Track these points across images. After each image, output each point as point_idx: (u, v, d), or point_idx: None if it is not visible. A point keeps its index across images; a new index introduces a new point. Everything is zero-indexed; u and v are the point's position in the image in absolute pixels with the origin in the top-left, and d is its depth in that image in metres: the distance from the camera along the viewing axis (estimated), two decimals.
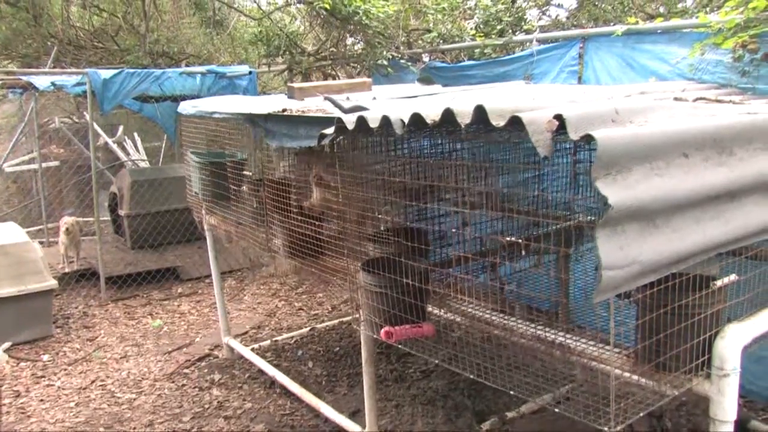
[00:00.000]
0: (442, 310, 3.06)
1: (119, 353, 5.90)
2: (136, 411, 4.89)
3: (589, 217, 3.50)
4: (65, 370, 5.61)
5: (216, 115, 4.45)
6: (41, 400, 5.10)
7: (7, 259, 5.78)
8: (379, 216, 3.15)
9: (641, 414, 2.32)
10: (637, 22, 4.92)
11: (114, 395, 5.14)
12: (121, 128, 8.96)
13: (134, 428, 4.65)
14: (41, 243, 7.17)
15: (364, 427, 4.05)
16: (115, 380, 5.39)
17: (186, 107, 4.95)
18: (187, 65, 8.57)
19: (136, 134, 9.04)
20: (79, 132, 8.41)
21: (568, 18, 7.05)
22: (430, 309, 3.08)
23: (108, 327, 6.51)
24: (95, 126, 8.09)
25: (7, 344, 5.64)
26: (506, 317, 2.90)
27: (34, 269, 6.08)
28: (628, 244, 2.02)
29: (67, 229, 7.55)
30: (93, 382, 5.38)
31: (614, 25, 5.53)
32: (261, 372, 5.26)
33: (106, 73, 7.11)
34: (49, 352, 5.95)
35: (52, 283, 6.21)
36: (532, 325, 2.80)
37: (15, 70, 9.00)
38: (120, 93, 7.12)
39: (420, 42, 7.20)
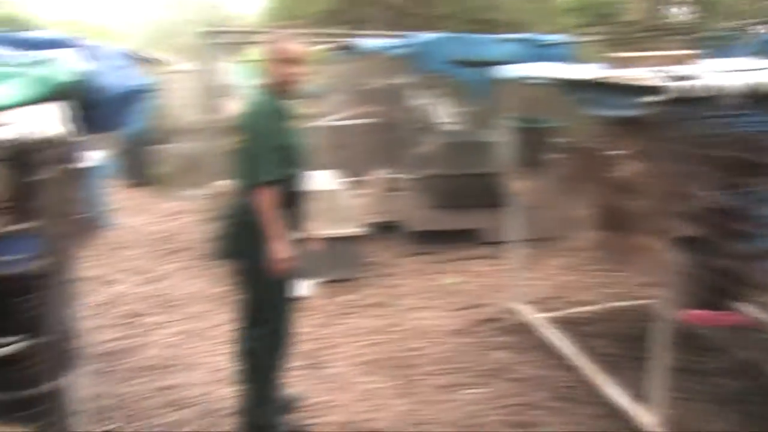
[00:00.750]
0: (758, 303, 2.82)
1: (412, 304, 6.20)
2: (422, 359, 5.11)
3: None
4: (363, 311, 6.03)
5: (533, 81, 4.44)
6: (339, 335, 5.53)
7: (325, 203, 6.28)
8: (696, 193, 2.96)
9: None
10: None
11: (403, 341, 5.42)
12: (434, 91, 9.25)
13: (418, 374, 4.88)
14: (354, 193, 7.67)
15: (648, 413, 3.88)
16: (405, 328, 5.67)
17: (503, 72, 5.01)
18: (502, 33, 8.62)
19: (448, 97, 9.29)
20: (393, 93, 8.81)
21: None
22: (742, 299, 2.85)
23: (405, 278, 6.86)
24: (409, 88, 8.44)
25: (318, 279, 6.19)
26: None
27: (347, 216, 6.60)
28: None
29: (377, 183, 8.02)
30: (386, 326, 5.71)
31: None
32: (548, 341, 5.23)
33: (425, 37, 7.38)
34: (352, 292, 6.43)
35: (362, 230, 6.71)
36: None
37: (343, 32, 9.65)
38: (437, 57, 7.36)
39: (754, 13, 6.58)
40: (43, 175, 2.23)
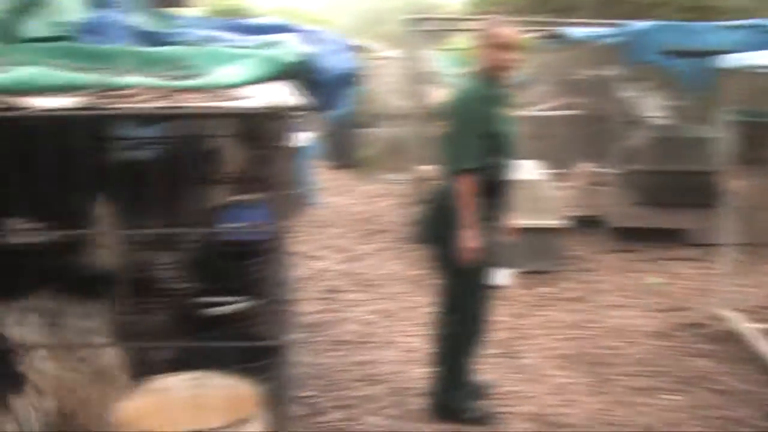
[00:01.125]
0: None
1: (611, 301, 6.04)
2: (618, 359, 4.96)
3: None
4: (560, 304, 5.96)
5: (761, 71, 4.16)
6: (535, 327, 5.49)
7: (527, 193, 6.21)
8: None
9: None
10: None
11: (599, 338, 5.29)
12: (644, 83, 8.90)
13: (613, 373, 4.74)
14: (557, 185, 7.55)
15: None
16: (602, 326, 5.53)
17: (725, 62, 4.73)
18: (723, 20, 8.10)
19: (659, 90, 8.90)
20: (602, 84, 8.56)
21: None
22: None
23: (605, 274, 6.70)
24: (619, 79, 8.16)
25: (517, 270, 6.16)
26: None
27: (549, 207, 6.53)
28: None
29: (581, 175, 7.84)
30: (583, 321, 5.60)
31: None
32: (758, 354, 4.89)
33: (638, 26, 7.09)
34: (550, 285, 6.37)
35: (563, 222, 6.62)
36: None
37: (551, 20, 9.47)
38: (650, 46, 7.06)
39: None
40: (272, 148, 2.38)
